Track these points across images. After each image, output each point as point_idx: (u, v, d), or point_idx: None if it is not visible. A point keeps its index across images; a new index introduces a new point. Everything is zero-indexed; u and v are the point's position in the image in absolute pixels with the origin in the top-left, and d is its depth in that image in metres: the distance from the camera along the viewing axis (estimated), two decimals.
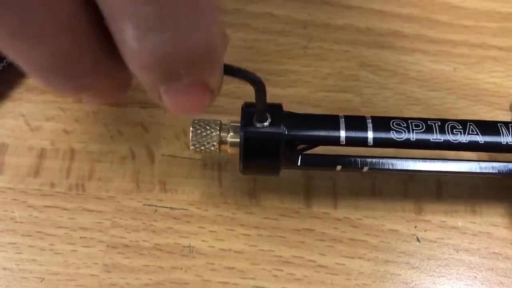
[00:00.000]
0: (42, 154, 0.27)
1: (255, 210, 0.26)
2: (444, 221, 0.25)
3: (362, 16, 0.31)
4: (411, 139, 0.22)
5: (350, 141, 0.22)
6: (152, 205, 0.26)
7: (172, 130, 0.28)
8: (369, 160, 0.23)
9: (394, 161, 0.23)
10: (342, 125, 0.22)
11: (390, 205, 0.26)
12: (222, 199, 0.26)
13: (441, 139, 0.22)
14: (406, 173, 0.26)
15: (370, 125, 0.22)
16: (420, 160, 0.23)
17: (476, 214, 0.26)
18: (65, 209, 0.25)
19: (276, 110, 0.22)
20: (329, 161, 0.23)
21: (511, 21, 0.31)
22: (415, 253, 0.25)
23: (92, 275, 0.24)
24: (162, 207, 0.25)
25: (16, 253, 0.24)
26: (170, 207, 0.25)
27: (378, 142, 0.22)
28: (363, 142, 0.22)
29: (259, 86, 0.18)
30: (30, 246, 0.24)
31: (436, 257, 0.25)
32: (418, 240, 0.25)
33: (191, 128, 0.22)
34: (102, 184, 0.26)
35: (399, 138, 0.22)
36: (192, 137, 0.22)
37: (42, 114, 0.28)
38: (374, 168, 0.23)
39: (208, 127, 0.23)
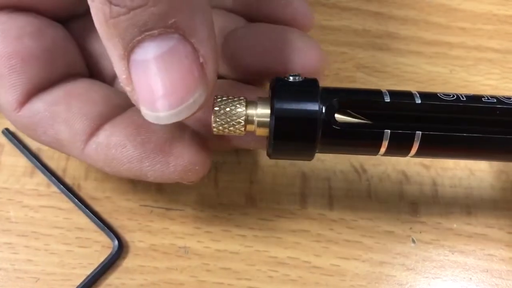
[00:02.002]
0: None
1: (250, 211, 0.26)
2: (440, 223, 0.26)
3: (359, 18, 0.31)
4: (461, 98, 0.19)
5: (395, 94, 0.19)
6: (148, 206, 0.26)
7: None
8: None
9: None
10: (385, 92, 0.20)
11: (386, 206, 0.26)
12: (218, 200, 0.26)
13: (494, 99, 0.20)
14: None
15: (415, 93, 0.20)
16: None
17: (471, 216, 0.26)
18: (60, 209, 0.25)
19: (311, 84, 0.19)
20: (374, 131, 0.19)
21: (508, 23, 0.31)
22: (410, 254, 0.25)
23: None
24: (158, 207, 0.26)
25: (12, 253, 0.24)
26: (166, 208, 0.26)
27: (425, 98, 0.19)
28: (409, 96, 0.19)
29: None
30: (26, 246, 0.24)
31: (431, 259, 0.25)
32: (413, 241, 0.25)
33: (213, 104, 0.19)
34: (98, 184, 0.26)
35: (448, 97, 0.19)
36: (213, 113, 0.19)
37: None
38: (428, 138, 0.19)
39: (232, 102, 0.19)
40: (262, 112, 0.19)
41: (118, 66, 0.16)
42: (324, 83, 0.29)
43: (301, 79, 0.19)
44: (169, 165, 0.20)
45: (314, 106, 0.18)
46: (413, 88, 0.29)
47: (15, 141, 0.26)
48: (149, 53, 0.15)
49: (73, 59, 0.22)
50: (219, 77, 0.23)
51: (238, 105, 0.19)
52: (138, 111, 0.17)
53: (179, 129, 0.21)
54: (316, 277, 0.24)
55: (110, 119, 0.20)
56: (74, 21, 0.23)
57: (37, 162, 0.26)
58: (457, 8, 0.32)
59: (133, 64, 0.16)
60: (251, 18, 0.24)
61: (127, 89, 0.17)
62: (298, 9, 0.23)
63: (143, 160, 0.20)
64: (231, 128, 0.19)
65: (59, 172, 0.26)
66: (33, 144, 0.27)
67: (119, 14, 0.15)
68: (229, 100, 0.19)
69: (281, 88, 0.19)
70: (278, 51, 0.22)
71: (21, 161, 0.26)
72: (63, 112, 0.20)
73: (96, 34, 0.16)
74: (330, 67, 0.30)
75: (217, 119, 0.19)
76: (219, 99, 0.19)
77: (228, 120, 0.19)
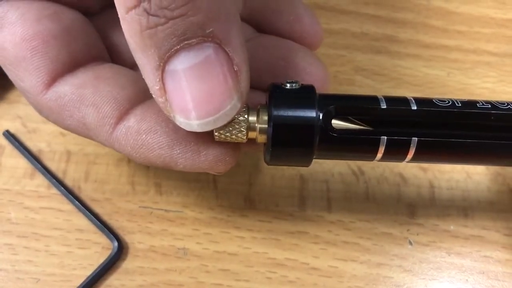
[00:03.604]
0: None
1: (249, 212, 0.26)
2: (437, 225, 0.26)
3: (357, 21, 0.31)
4: (456, 104, 0.20)
5: (391, 101, 0.19)
6: (148, 207, 0.26)
7: None
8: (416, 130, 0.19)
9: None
10: (381, 98, 0.20)
11: (383, 208, 0.26)
12: (217, 201, 0.26)
13: (488, 105, 0.20)
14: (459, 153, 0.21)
15: (411, 99, 0.20)
16: None
17: (468, 218, 0.26)
18: (61, 210, 0.25)
19: (308, 91, 0.19)
20: (370, 137, 0.19)
21: (505, 27, 0.32)
22: (407, 256, 0.25)
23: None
24: (157, 209, 0.26)
25: (12, 254, 0.24)
26: (165, 210, 0.26)
27: (421, 104, 0.19)
28: (405, 103, 0.19)
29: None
30: (26, 247, 0.25)
31: (428, 260, 0.25)
32: (410, 243, 0.25)
33: None
34: (98, 186, 0.26)
35: (443, 103, 0.20)
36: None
37: (39, 116, 0.27)
38: (423, 144, 0.19)
39: None
40: (263, 119, 0.19)
41: (150, 77, 0.16)
42: (325, 91, 0.29)
43: (298, 86, 0.19)
44: (200, 153, 0.19)
45: (311, 113, 0.18)
46: (411, 91, 0.29)
47: (16, 143, 0.27)
48: (186, 62, 0.15)
49: (94, 41, 0.21)
50: None
51: (240, 114, 0.19)
52: None
53: None
54: (314, 279, 0.24)
55: (139, 104, 0.20)
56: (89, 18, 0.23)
57: (38, 164, 0.26)
58: (455, 12, 0.32)
59: (168, 74, 0.16)
60: (260, 28, 0.24)
61: (160, 100, 0.17)
62: (307, 27, 0.23)
63: (174, 147, 0.19)
64: (233, 136, 0.19)
65: (59, 174, 0.26)
66: (33, 146, 0.27)
67: (157, 25, 0.15)
68: None
69: (279, 95, 0.19)
70: (282, 70, 0.22)
71: (22, 163, 0.26)
72: (91, 95, 0.19)
73: (113, 26, 0.15)
74: (328, 70, 0.30)
75: (219, 129, 0.19)
76: None
77: (231, 128, 0.19)
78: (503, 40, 0.31)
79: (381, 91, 0.29)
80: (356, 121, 0.19)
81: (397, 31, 0.31)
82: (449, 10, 0.32)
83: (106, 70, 0.20)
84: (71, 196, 0.25)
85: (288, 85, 0.19)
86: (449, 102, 0.20)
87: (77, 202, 0.25)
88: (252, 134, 0.19)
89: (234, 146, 0.20)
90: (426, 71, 0.30)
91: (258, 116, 0.19)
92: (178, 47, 0.15)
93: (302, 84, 0.19)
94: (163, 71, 0.16)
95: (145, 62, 0.16)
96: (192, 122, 0.17)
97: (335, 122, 0.19)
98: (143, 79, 0.19)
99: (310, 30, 0.23)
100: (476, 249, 0.25)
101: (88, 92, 0.19)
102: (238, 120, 0.19)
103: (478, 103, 0.20)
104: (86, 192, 0.26)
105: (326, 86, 0.23)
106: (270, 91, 0.19)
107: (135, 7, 0.14)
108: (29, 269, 0.24)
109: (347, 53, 0.31)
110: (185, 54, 0.15)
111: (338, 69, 0.30)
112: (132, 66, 0.22)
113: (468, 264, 0.25)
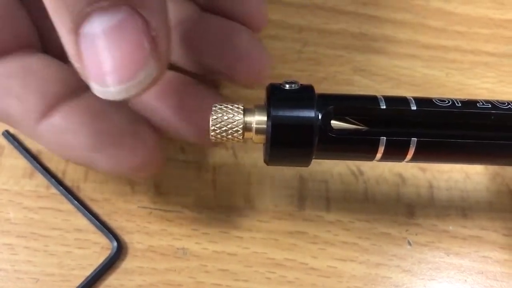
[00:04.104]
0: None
1: (248, 212, 0.26)
2: (435, 225, 0.26)
3: (356, 21, 0.32)
4: (456, 104, 0.20)
5: (390, 101, 0.19)
6: (147, 207, 0.26)
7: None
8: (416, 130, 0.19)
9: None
10: (381, 98, 0.20)
11: (382, 208, 0.26)
12: (216, 201, 0.26)
13: (488, 105, 0.20)
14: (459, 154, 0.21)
15: (410, 98, 0.20)
16: None
17: (467, 218, 0.26)
18: (60, 210, 0.25)
19: (307, 91, 0.19)
20: (369, 138, 0.19)
21: (503, 27, 0.32)
22: (406, 256, 0.25)
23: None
24: (156, 209, 0.26)
25: (11, 254, 0.24)
26: (164, 210, 0.26)
27: (421, 104, 0.19)
28: (405, 103, 0.19)
29: None
30: (25, 247, 0.25)
31: (427, 261, 0.25)
32: (409, 243, 0.25)
33: (211, 112, 0.19)
34: (97, 186, 0.26)
35: (443, 102, 0.20)
36: (212, 121, 0.19)
37: None
38: (423, 144, 0.19)
39: (230, 110, 0.19)
40: (259, 119, 0.19)
41: (66, 41, 0.15)
42: (321, 86, 0.29)
43: (297, 87, 0.19)
44: (121, 159, 0.20)
45: (310, 114, 0.18)
46: (409, 91, 0.29)
47: (15, 143, 0.27)
48: (98, 26, 0.15)
49: (24, 28, 0.20)
50: (176, 67, 0.23)
51: (236, 113, 0.19)
52: (95, 97, 0.17)
53: (136, 123, 0.20)
54: (313, 279, 0.24)
55: (65, 101, 0.19)
56: None
57: (37, 164, 0.26)
58: (454, 12, 0.32)
59: (82, 38, 0.15)
60: (204, 7, 0.23)
61: (77, 65, 0.16)
62: (253, 8, 0.23)
63: (95, 150, 0.19)
64: (229, 136, 0.19)
65: (59, 174, 0.26)
66: (33, 146, 0.27)
67: None
68: (227, 108, 0.19)
69: (277, 95, 0.19)
70: (225, 52, 0.22)
71: (21, 163, 0.26)
72: (16, 86, 0.19)
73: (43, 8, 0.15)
74: (327, 70, 0.30)
75: (215, 128, 0.19)
76: (216, 107, 0.19)
77: (226, 128, 0.19)
78: (502, 41, 0.31)
79: (379, 91, 0.29)
80: (355, 121, 0.19)
81: (396, 31, 0.32)
82: (447, 10, 0.32)
83: (35, 62, 0.20)
84: (70, 196, 0.25)
85: (287, 85, 0.19)
86: (449, 102, 0.20)
87: (76, 202, 0.25)
88: (248, 134, 0.19)
89: (158, 153, 0.20)
90: (425, 72, 0.30)
91: (254, 116, 0.19)
92: (89, 9, 0.14)
93: (301, 85, 0.19)
94: (77, 34, 0.15)
95: (60, 26, 0.15)
96: (107, 89, 0.16)
97: (334, 123, 0.19)
98: (73, 76, 0.19)
99: (255, 12, 0.23)
100: (474, 250, 0.25)
101: (14, 83, 0.19)
102: (234, 120, 0.19)
103: (478, 102, 0.20)
104: (85, 192, 0.26)
105: (265, 71, 0.22)
106: (269, 91, 0.19)
107: None
108: (28, 269, 0.24)
109: (345, 53, 0.31)
110: (97, 17, 0.15)
111: (337, 69, 0.30)
112: (63, 52, 0.22)
113: (467, 264, 0.25)
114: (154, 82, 0.16)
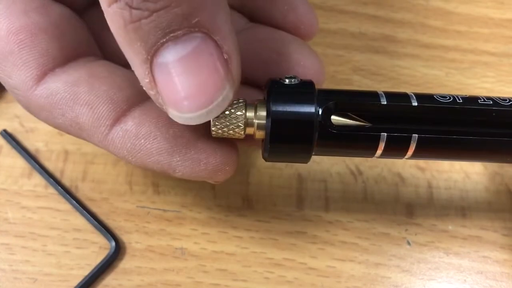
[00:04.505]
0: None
1: (247, 212, 0.26)
2: (435, 225, 0.26)
3: (356, 21, 0.31)
4: (458, 100, 0.19)
5: (391, 96, 0.19)
6: (145, 207, 0.26)
7: None
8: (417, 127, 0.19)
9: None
10: (382, 94, 0.19)
11: (382, 208, 0.26)
12: (215, 201, 0.26)
13: (490, 101, 0.20)
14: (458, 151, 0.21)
15: (411, 94, 0.20)
16: None
17: (466, 218, 0.26)
18: (58, 210, 0.25)
19: (307, 86, 0.19)
20: (370, 134, 0.19)
21: (503, 27, 0.32)
22: (405, 256, 0.25)
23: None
24: (155, 209, 0.26)
25: (9, 254, 0.24)
26: (163, 209, 0.26)
27: (422, 100, 0.19)
28: (406, 98, 0.19)
29: None
30: (23, 247, 0.25)
31: (426, 261, 0.25)
32: (408, 243, 0.25)
33: None
34: (96, 186, 0.26)
35: (444, 99, 0.19)
36: (213, 118, 0.18)
37: None
38: (424, 141, 0.19)
39: (231, 106, 0.19)
40: (261, 115, 0.19)
41: (140, 71, 0.16)
42: (320, 85, 0.29)
43: (297, 82, 0.19)
44: (200, 162, 0.19)
45: (310, 109, 0.18)
46: (409, 90, 0.29)
47: (13, 142, 0.26)
48: (174, 55, 0.15)
49: (84, 36, 0.21)
50: None
51: (237, 109, 0.18)
52: None
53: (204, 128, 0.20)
54: (312, 279, 0.24)
55: (137, 105, 0.19)
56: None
57: (35, 164, 0.26)
58: (454, 12, 0.32)
59: (157, 67, 0.15)
60: (252, 18, 0.24)
61: (151, 92, 0.16)
62: (302, 17, 0.23)
63: (174, 154, 0.19)
64: (231, 131, 0.19)
65: (57, 174, 0.26)
66: (31, 146, 0.27)
67: (141, 18, 0.14)
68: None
69: (277, 90, 0.18)
70: (275, 63, 0.22)
71: (19, 163, 0.26)
72: (86, 93, 0.18)
73: (104, 22, 0.15)
74: (326, 69, 0.30)
75: (217, 123, 0.19)
76: None
77: (228, 123, 0.19)
78: (502, 40, 0.31)
79: (379, 90, 0.29)
80: (355, 117, 0.19)
81: (396, 31, 0.31)
82: (447, 10, 0.32)
83: (101, 68, 0.20)
84: (68, 196, 0.25)
85: (287, 80, 0.19)
86: (450, 98, 0.19)
87: (74, 201, 0.25)
88: (250, 130, 0.19)
89: (233, 155, 0.20)
90: (425, 71, 0.30)
91: (256, 111, 0.19)
92: (164, 40, 0.15)
93: (301, 80, 0.19)
94: (151, 64, 0.15)
95: (133, 56, 0.15)
96: (185, 115, 0.16)
97: (335, 118, 0.19)
98: (137, 81, 0.19)
99: (305, 20, 0.23)
100: (474, 249, 0.25)
101: (83, 90, 0.18)
102: (235, 116, 0.18)
103: (480, 99, 0.20)
104: (84, 192, 0.26)
105: (322, 79, 0.22)
106: (269, 86, 0.19)
107: (116, 1, 0.14)
108: (27, 269, 0.24)
109: (345, 53, 0.31)
110: (172, 46, 0.15)
111: (336, 69, 0.30)
112: (125, 64, 0.21)
113: (466, 264, 0.25)
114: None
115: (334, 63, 0.30)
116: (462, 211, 0.26)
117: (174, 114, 0.17)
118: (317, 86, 0.19)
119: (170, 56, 0.15)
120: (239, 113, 0.18)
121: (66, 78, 0.19)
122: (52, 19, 0.19)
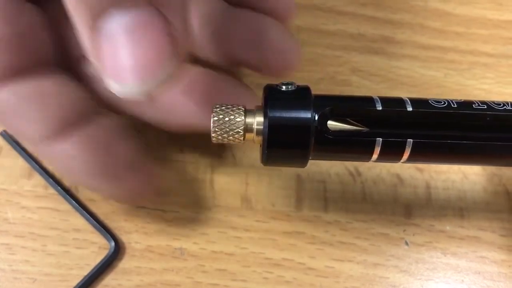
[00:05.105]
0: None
1: (246, 213, 0.26)
2: (433, 225, 0.26)
3: (355, 22, 0.32)
4: (452, 105, 0.20)
5: (386, 102, 0.19)
6: (145, 207, 0.26)
7: (165, 133, 0.28)
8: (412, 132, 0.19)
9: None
10: (377, 99, 0.20)
11: (380, 208, 0.26)
12: (214, 202, 0.26)
13: (484, 106, 0.20)
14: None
15: (406, 99, 0.20)
16: None
17: (464, 218, 0.26)
18: (58, 210, 0.26)
19: (303, 92, 0.19)
20: (366, 139, 0.19)
21: (502, 28, 0.32)
22: (403, 256, 0.25)
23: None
24: (154, 209, 0.26)
25: (9, 254, 0.24)
26: (162, 210, 0.26)
27: (417, 105, 0.19)
28: (401, 104, 0.20)
29: None
30: (23, 247, 0.25)
31: (424, 261, 0.25)
32: (406, 243, 0.25)
33: (212, 114, 0.19)
34: None
35: (439, 103, 0.20)
36: (213, 123, 0.19)
37: None
38: (419, 145, 0.20)
39: (231, 112, 0.19)
40: (260, 120, 0.19)
41: (85, 38, 0.15)
42: (319, 86, 0.29)
43: (293, 88, 0.19)
44: (121, 190, 0.22)
45: (306, 115, 0.19)
46: (407, 92, 0.29)
47: (13, 143, 0.27)
48: (119, 23, 0.15)
49: (45, 46, 0.21)
50: (201, 60, 0.24)
51: (237, 114, 0.19)
52: (105, 125, 0.18)
53: (140, 154, 0.22)
54: (311, 279, 0.24)
55: (78, 127, 0.20)
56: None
57: (35, 164, 0.26)
58: (452, 13, 0.32)
59: (101, 34, 0.15)
60: (233, 1, 0.24)
61: (94, 61, 0.16)
62: (279, 0, 0.23)
63: (99, 179, 0.21)
64: (231, 137, 0.19)
65: (57, 174, 0.26)
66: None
67: None
68: (228, 109, 0.19)
69: (274, 96, 0.19)
70: (255, 44, 0.22)
71: (19, 163, 0.26)
72: (31, 110, 0.19)
73: (64, 15, 0.15)
74: (325, 70, 0.30)
75: (217, 129, 0.19)
76: (217, 108, 0.19)
77: (228, 130, 0.19)
78: (500, 41, 0.31)
79: (378, 92, 0.29)
80: (352, 122, 0.19)
81: (394, 32, 0.32)
82: (446, 11, 0.32)
83: (50, 84, 0.20)
84: (68, 196, 0.25)
85: (284, 86, 0.19)
86: (444, 103, 0.20)
87: (74, 202, 0.25)
88: (249, 136, 0.19)
89: (154, 183, 0.23)
90: (423, 72, 0.30)
91: (255, 117, 0.19)
92: (111, 7, 0.15)
93: (297, 86, 0.19)
94: (96, 31, 0.15)
95: (79, 20, 0.15)
96: (124, 87, 0.16)
97: (331, 123, 0.19)
98: (86, 101, 0.20)
99: (282, 3, 0.23)
100: (472, 250, 0.25)
101: (28, 106, 0.19)
102: (235, 122, 0.19)
103: (474, 103, 0.20)
104: (84, 192, 0.26)
105: (298, 62, 0.23)
106: (266, 92, 0.19)
107: None
108: (26, 269, 0.24)
109: (344, 54, 0.31)
110: (119, 15, 0.15)
111: (335, 70, 0.30)
112: (79, 58, 0.22)
113: (464, 265, 0.25)
114: (173, 80, 0.16)
115: (333, 64, 0.30)
116: (460, 212, 0.26)
117: (114, 86, 0.16)
118: (294, 68, 0.20)
119: (116, 24, 0.15)
120: (238, 119, 0.19)
121: (16, 89, 0.19)
122: (16, 29, 0.19)
